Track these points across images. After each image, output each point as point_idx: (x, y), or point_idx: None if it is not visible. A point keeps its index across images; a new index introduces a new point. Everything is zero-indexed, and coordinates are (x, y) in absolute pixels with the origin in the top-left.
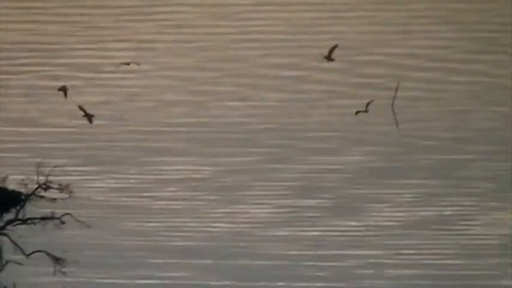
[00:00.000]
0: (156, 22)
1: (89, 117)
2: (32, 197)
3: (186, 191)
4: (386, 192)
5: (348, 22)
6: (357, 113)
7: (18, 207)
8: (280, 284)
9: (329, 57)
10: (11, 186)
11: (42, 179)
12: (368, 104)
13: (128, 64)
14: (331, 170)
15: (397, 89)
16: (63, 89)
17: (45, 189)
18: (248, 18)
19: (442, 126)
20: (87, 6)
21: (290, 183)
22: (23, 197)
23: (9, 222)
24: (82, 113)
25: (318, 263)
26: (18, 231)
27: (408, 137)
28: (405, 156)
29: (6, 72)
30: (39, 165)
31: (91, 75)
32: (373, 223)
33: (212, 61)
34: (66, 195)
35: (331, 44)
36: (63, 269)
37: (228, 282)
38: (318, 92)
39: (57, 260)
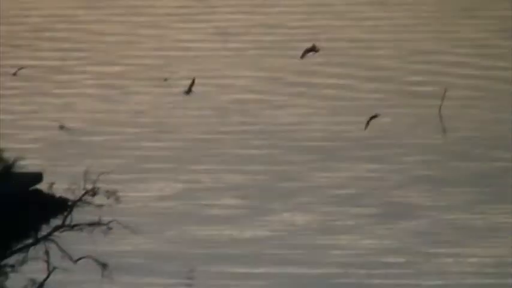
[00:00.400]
0: (203, 29)
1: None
2: (79, 203)
3: (231, 199)
4: (431, 200)
5: (391, 30)
6: (372, 118)
7: (65, 214)
8: None
9: (313, 49)
10: (58, 192)
11: (89, 185)
12: (372, 117)
13: (165, 80)
14: (376, 177)
15: (443, 96)
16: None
17: (93, 196)
18: (297, 26)
19: (487, 134)
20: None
21: (335, 191)
22: (70, 203)
23: (57, 228)
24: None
25: (363, 271)
26: (65, 237)
27: (454, 144)
28: (452, 163)
29: (51, 81)
30: (86, 171)
31: (140, 82)
32: (417, 230)
33: (260, 69)
34: (113, 202)
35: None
36: (111, 275)
37: None
38: (363, 99)
39: (104, 266)
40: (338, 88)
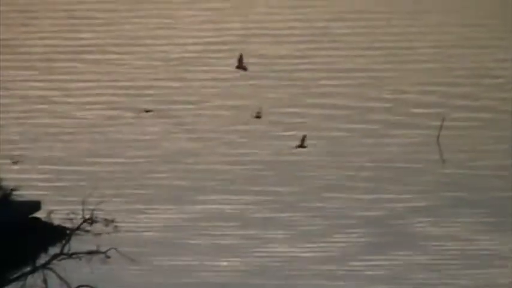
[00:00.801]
0: (196, 60)
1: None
2: (77, 231)
3: (231, 229)
4: (431, 229)
5: (390, 60)
6: (297, 146)
7: (63, 242)
8: None
9: (240, 66)
10: (57, 220)
11: (87, 214)
12: (303, 138)
13: (148, 111)
14: (375, 208)
15: (441, 124)
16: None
17: (91, 224)
18: (300, 56)
19: (488, 162)
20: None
21: (334, 221)
22: (68, 231)
23: (55, 256)
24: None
25: None
26: (64, 265)
27: (453, 173)
28: (451, 193)
29: (49, 111)
30: (84, 200)
31: (138, 113)
32: (416, 259)
33: (259, 99)
34: (111, 230)
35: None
36: None
37: None
38: (362, 130)
39: None
40: (336, 119)
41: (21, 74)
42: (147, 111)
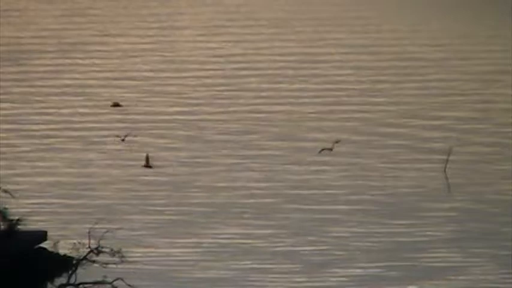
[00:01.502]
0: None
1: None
2: (83, 261)
3: (238, 263)
4: (445, 261)
5: (395, 94)
6: (321, 150)
7: (69, 272)
8: None
9: (147, 165)
10: (63, 250)
11: (94, 244)
12: (336, 142)
13: (123, 139)
14: (382, 240)
15: (448, 156)
16: None
17: (97, 254)
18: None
19: (495, 197)
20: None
21: (336, 254)
22: (74, 261)
23: (61, 286)
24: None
25: None
26: None
27: (461, 206)
28: (458, 226)
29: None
30: (91, 230)
31: (147, 138)
32: None
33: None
34: (118, 261)
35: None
36: None
37: None
38: (368, 165)
39: None
40: (344, 152)
41: (21, 107)
42: (123, 138)
